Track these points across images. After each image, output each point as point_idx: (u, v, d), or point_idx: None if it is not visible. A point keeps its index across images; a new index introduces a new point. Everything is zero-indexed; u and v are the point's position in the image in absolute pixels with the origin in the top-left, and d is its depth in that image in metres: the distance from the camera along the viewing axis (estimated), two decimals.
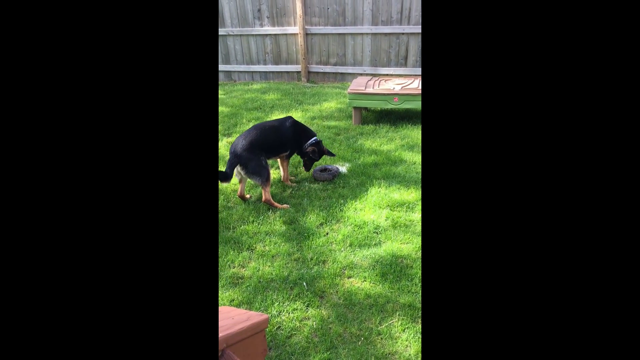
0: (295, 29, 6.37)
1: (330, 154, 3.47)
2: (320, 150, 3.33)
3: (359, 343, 1.88)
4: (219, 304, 2.13)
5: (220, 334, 1.29)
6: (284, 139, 3.18)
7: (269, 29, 6.54)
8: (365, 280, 2.26)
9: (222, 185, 3.24)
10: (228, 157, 3.06)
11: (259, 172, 2.91)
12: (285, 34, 6.51)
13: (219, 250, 2.58)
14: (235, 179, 3.10)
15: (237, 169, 2.94)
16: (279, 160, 3.36)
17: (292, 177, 3.49)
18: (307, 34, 6.37)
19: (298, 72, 6.72)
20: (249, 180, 3.06)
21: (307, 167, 3.43)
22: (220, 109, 5.40)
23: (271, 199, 3.01)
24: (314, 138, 3.33)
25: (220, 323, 1.48)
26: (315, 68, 6.60)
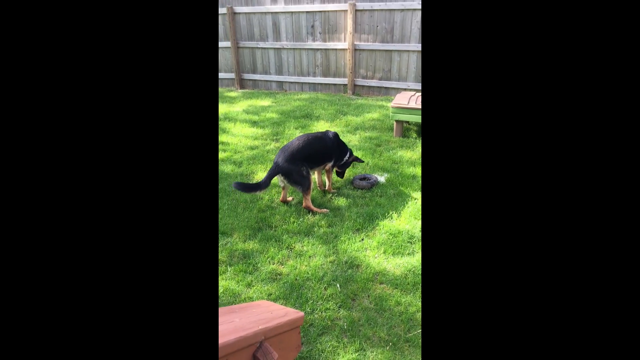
0: (344, 44, 6.57)
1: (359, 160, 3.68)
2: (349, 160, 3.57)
3: (387, 348, 1.92)
4: (259, 298, 2.26)
5: (259, 327, 1.35)
6: (328, 150, 3.35)
7: (320, 44, 6.80)
8: (396, 288, 2.31)
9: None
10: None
11: (301, 182, 3.10)
12: (335, 49, 6.72)
13: (261, 246, 2.74)
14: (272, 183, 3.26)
15: (280, 178, 3.14)
16: (324, 170, 3.51)
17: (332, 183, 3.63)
18: (355, 50, 6.55)
19: (344, 85, 6.90)
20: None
21: (341, 175, 3.63)
22: (270, 115, 5.67)
23: (311, 205, 3.15)
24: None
25: (260, 316, 1.55)
26: (361, 82, 6.75)
